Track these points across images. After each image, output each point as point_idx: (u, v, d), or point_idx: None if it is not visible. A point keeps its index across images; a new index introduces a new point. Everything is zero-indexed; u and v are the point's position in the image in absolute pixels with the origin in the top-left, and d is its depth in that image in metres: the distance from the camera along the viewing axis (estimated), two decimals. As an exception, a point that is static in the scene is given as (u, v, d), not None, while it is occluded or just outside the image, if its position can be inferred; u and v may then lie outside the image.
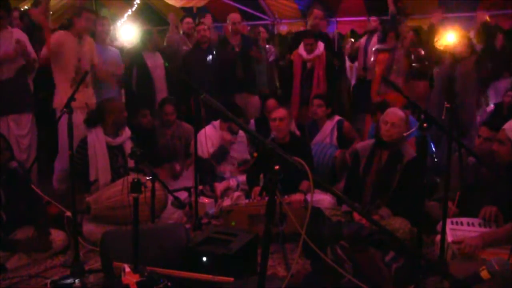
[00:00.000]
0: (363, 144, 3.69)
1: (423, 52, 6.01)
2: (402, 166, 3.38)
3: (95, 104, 4.37)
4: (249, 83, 5.82)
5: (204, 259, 2.67)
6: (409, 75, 5.72)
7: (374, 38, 6.36)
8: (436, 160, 4.54)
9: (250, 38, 6.18)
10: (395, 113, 3.49)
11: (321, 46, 5.68)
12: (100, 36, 4.87)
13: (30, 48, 4.24)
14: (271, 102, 5.32)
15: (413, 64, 5.80)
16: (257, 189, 3.84)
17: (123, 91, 5.34)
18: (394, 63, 5.76)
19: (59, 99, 4.26)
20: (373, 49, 6.07)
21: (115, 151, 3.96)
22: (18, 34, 4.23)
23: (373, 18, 6.73)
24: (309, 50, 5.63)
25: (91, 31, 4.59)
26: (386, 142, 3.44)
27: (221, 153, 4.62)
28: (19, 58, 4.12)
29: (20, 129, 4.23)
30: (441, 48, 5.53)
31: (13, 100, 4.17)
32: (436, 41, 5.91)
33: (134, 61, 5.27)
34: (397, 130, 3.39)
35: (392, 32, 5.93)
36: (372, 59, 6.06)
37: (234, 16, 5.91)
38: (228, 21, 5.88)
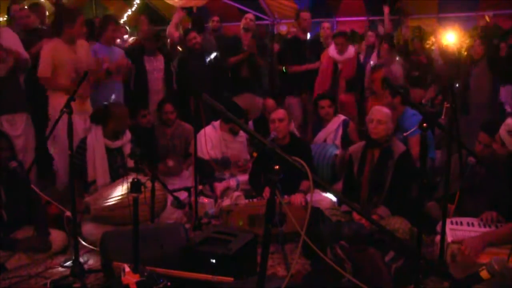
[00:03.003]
0: (355, 146, 3.76)
1: (425, 61, 6.02)
2: (393, 162, 3.44)
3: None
4: (254, 83, 5.82)
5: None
6: (406, 83, 5.74)
7: (374, 54, 6.35)
8: (434, 163, 4.54)
9: (258, 38, 6.20)
10: (380, 110, 3.57)
11: (351, 48, 5.75)
12: (108, 39, 4.83)
13: (20, 48, 4.17)
14: (270, 102, 5.33)
15: (413, 72, 5.83)
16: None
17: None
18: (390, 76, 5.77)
19: (54, 104, 4.13)
20: (371, 64, 6.05)
21: (114, 153, 3.96)
22: (7, 34, 4.15)
23: (370, 33, 6.71)
24: (340, 51, 5.68)
25: (83, 34, 4.43)
26: (376, 140, 3.50)
27: (224, 162, 4.63)
28: (8, 59, 4.05)
29: (14, 129, 4.17)
30: (454, 49, 5.54)
31: (7, 100, 4.12)
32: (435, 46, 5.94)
33: (133, 62, 5.27)
34: (383, 127, 3.46)
35: (386, 44, 5.92)
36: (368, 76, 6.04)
37: (249, 15, 6.06)
38: (243, 20, 5.95)
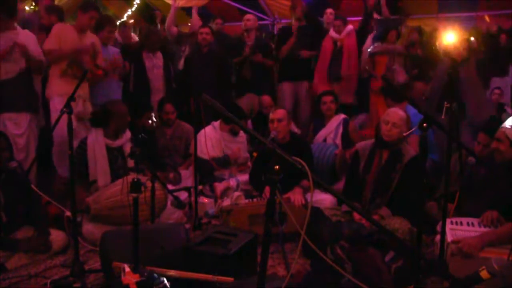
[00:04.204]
0: (363, 144, 3.69)
1: (421, 54, 6.01)
2: (402, 166, 3.38)
3: (88, 97, 4.44)
4: (255, 83, 5.83)
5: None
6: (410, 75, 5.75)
7: (369, 39, 6.35)
8: (436, 164, 4.54)
9: (262, 40, 6.22)
10: (396, 112, 3.49)
11: (350, 26, 5.92)
12: (104, 39, 4.85)
13: (36, 49, 4.22)
14: (266, 98, 5.34)
15: (413, 71, 5.84)
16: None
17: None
18: (395, 63, 5.78)
19: (50, 89, 4.33)
20: (369, 50, 6.04)
21: (114, 153, 3.96)
22: (25, 35, 4.19)
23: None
24: (338, 31, 5.86)
25: (92, 28, 4.58)
26: (387, 142, 3.44)
27: (224, 161, 4.63)
28: (21, 60, 4.08)
29: (17, 128, 4.17)
30: (440, 50, 5.55)
31: (12, 99, 4.12)
32: (436, 43, 5.94)
33: (132, 60, 5.27)
34: (398, 130, 3.39)
35: (393, 31, 5.92)
36: (367, 60, 6.04)
37: (248, 16, 6.12)
38: (243, 21, 6.00)
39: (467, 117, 4.71)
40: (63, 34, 4.29)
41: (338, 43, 5.86)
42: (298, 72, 5.89)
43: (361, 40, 6.01)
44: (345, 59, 5.81)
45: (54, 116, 4.20)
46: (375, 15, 6.74)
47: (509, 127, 2.94)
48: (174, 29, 6.21)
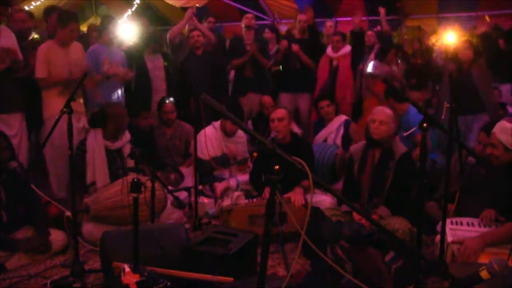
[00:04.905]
0: (356, 146, 3.73)
1: (422, 62, 6.01)
2: (394, 163, 3.42)
3: (84, 111, 4.42)
4: (258, 83, 5.83)
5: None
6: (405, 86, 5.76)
7: (372, 54, 6.33)
8: (436, 164, 4.54)
9: (262, 40, 6.22)
10: (382, 111, 3.54)
11: (348, 47, 5.93)
12: (105, 37, 4.85)
13: (17, 48, 4.16)
14: (267, 99, 5.35)
15: (412, 80, 5.84)
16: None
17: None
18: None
19: (49, 111, 4.21)
20: (369, 69, 6.01)
21: (114, 154, 3.96)
22: (6, 33, 4.13)
23: (370, 32, 6.68)
24: (336, 48, 5.85)
25: (75, 39, 4.48)
26: (377, 141, 3.47)
27: (223, 160, 4.63)
28: (6, 58, 4.03)
29: (9, 129, 4.11)
30: (442, 56, 5.55)
31: (2, 100, 4.10)
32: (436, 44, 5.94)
33: (134, 61, 5.27)
34: (385, 128, 3.43)
35: (393, 49, 5.91)
36: (367, 78, 6.02)
37: (249, 14, 6.17)
38: (244, 19, 6.02)
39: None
40: (49, 55, 4.19)
41: (334, 62, 5.85)
42: (297, 83, 5.84)
43: (354, 59, 5.97)
44: (339, 80, 5.79)
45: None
46: (378, 28, 6.73)
47: (500, 131, 2.94)
48: (177, 39, 6.20)
